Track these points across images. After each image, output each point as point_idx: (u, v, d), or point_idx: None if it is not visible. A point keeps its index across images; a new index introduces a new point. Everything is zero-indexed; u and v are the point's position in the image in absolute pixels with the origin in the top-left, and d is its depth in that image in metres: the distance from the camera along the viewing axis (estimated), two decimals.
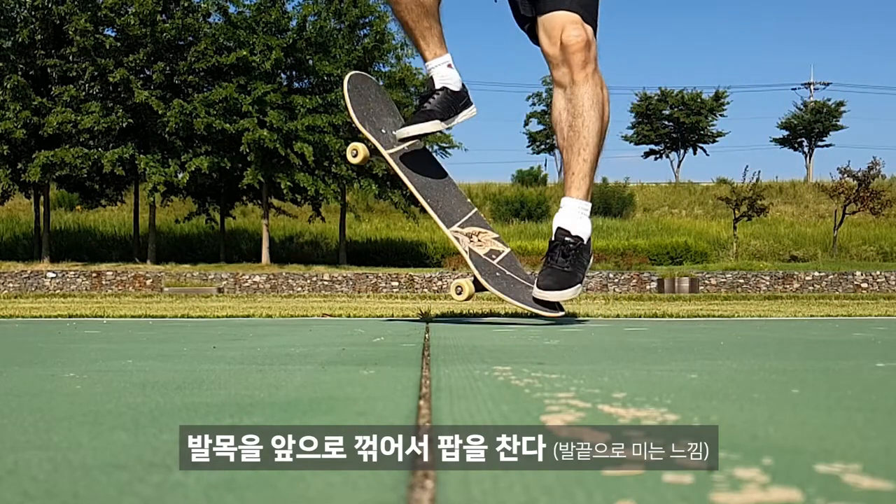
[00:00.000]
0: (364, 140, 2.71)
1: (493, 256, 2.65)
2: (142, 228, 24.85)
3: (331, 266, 22.67)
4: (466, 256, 2.55)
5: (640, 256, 23.38)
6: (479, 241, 2.66)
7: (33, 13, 20.96)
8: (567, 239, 2.51)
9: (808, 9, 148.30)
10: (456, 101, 2.70)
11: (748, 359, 1.38)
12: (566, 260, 2.49)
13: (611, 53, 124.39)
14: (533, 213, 31.55)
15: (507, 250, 2.74)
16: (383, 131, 2.74)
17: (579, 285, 2.53)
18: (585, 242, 2.55)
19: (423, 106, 2.67)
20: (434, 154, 3.20)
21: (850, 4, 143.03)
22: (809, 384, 1.01)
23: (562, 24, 2.57)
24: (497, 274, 2.61)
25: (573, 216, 2.54)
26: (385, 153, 2.66)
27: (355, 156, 2.67)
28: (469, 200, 2.86)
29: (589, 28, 2.58)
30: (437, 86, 2.68)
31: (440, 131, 2.71)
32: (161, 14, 21.50)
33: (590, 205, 2.57)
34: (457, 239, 2.60)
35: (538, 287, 2.49)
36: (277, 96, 21.77)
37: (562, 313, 2.57)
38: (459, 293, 2.53)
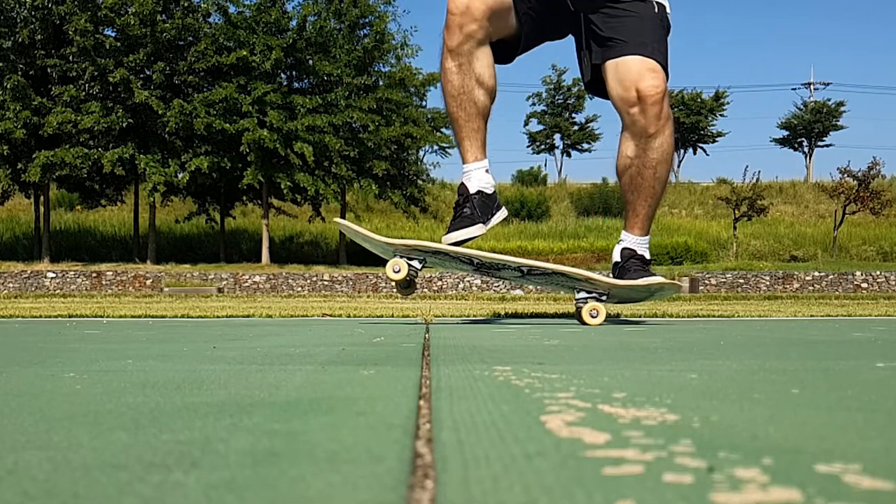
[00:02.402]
0: (405, 257, 2.63)
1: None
2: (142, 228, 24.84)
3: (331, 266, 22.65)
4: (605, 277, 2.71)
5: None
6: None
7: (33, 13, 20.95)
8: (638, 254, 2.81)
9: (808, 9, 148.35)
10: (491, 204, 2.74)
11: (748, 359, 1.38)
12: (639, 267, 2.79)
13: None
14: (533, 213, 31.53)
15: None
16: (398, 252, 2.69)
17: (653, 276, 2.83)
18: (649, 262, 2.86)
19: (463, 210, 2.69)
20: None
21: (850, 4, 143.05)
22: (809, 384, 1.01)
23: (639, 72, 2.57)
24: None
25: (637, 246, 2.83)
26: (427, 253, 2.64)
27: (398, 271, 2.58)
28: None
29: (664, 75, 2.60)
30: (473, 190, 2.70)
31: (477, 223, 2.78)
32: (161, 14, 21.49)
33: (649, 238, 2.85)
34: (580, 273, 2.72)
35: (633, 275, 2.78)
36: (277, 96, 21.75)
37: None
38: (594, 317, 2.63)
